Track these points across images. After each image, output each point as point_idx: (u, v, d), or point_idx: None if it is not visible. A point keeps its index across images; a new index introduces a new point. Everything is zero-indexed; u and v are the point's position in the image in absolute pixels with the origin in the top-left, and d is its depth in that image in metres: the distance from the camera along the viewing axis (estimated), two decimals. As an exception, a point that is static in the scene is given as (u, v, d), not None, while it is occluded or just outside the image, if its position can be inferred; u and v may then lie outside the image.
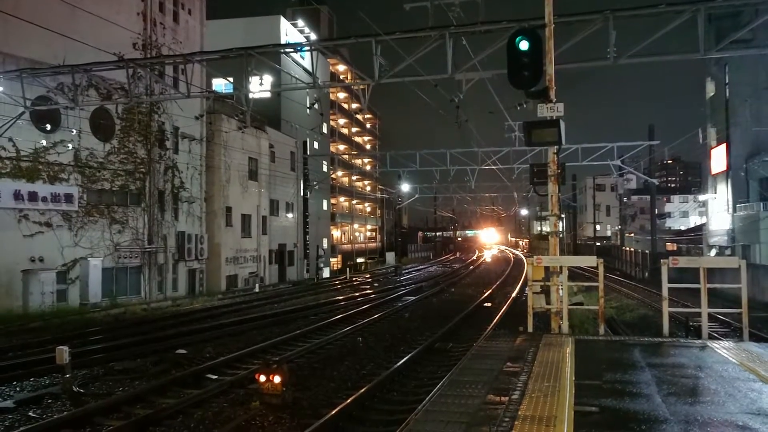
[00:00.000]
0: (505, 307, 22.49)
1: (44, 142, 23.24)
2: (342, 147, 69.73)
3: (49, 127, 23.52)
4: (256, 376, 9.91)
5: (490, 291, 30.05)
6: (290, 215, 45.14)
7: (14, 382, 11.54)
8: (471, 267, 55.57)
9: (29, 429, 8.58)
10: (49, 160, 23.47)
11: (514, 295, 27.25)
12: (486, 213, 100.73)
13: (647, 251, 44.31)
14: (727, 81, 35.49)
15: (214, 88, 38.18)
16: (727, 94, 35.39)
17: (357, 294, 29.28)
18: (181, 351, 14.44)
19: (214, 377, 11.95)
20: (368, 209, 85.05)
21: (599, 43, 14.57)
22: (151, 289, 28.36)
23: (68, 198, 24.11)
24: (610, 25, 13.95)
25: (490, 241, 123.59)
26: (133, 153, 27.49)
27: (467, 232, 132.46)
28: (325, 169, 56.12)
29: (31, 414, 9.66)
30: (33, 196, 22.72)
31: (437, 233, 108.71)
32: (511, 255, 79.15)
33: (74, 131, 24.21)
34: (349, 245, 70.77)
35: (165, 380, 11.46)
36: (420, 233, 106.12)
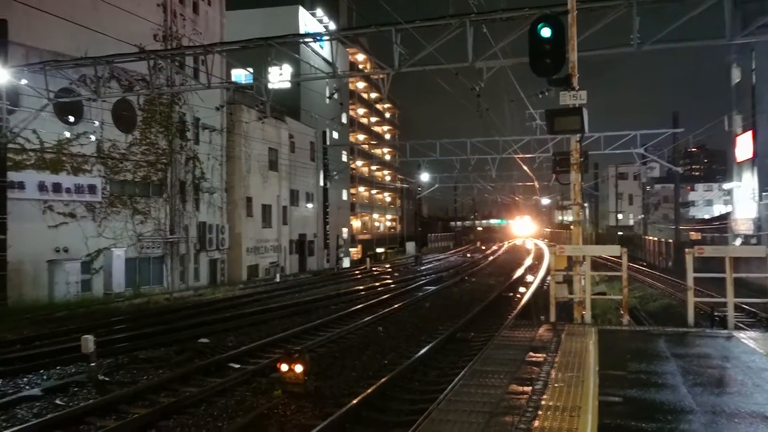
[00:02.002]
0: (526, 297, 22.36)
1: (67, 134, 23.50)
2: (361, 137, 69.69)
3: (72, 118, 23.77)
4: (278, 365, 9.96)
5: (511, 281, 29.91)
6: (310, 205, 45.26)
7: (41, 371, 11.74)
8: (491, 257, 55.36)
9: (56, 416, 8.72)
10: (72, 152, 23.74)
11: (536, 284, 27.08)
12: (507, 202, 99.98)
13: (671, 240, 43.76)
14: (753, 67, 34.78)
15: (233, 78, 38.31)
16: (754, 81, 34.69)
17: (377, 284, 29.31)
18: (204, 340, 14.57)
19: (237, 366, 12.03)
20: (388, 199, 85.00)
21: (623, 30, 14.36)
22: (173, 278, 28.65)
23: (91, 189, 24.39)
24: (633, 11, 13.73)
25: (522, 232, 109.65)
26: (154, 144, 27.72)
27: (490, 221, 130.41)
28: (344, 158, 56.16)
29: (57, 402, 9.82)
30: (57, 188, 23.02)
31: (458, 223, 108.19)
32: (530, 246, 78.56)
33: (97, 123, 24.45)
34: (369, 235, 70.86)
35: (188, 369, 11.58)
36: (440, 223, 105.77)
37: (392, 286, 28.37)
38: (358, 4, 68.11)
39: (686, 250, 10.42)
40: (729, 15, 13.57)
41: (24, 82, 20.12)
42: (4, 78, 19.54)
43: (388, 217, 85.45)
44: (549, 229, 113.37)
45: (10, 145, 20.92)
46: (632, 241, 56.80)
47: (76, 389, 10.51)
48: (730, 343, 9.03)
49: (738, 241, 37.38)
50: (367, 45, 51.51)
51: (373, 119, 78.11)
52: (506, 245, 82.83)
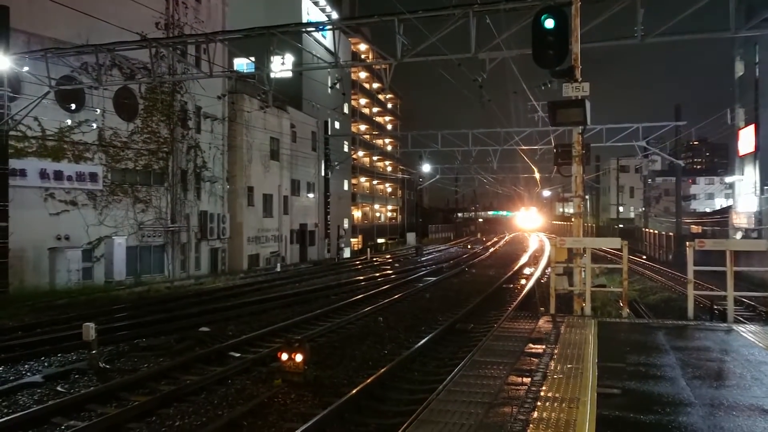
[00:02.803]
0: (526, 288, 22.39)
1: (69, 122, 23.47)
2: (363, 127, 69.53)
3: (73, 106, 23.71)
4: (278, 355, 10.00)
5: (511, 272, 29.94)
6: (311, 195, 45.25)
7: (42, 358, 11.79)
8: (492, 249, 55.40)
9: (57, 403, 8.77)
10: (73, 140, 23.71)
11: (536, 276, 27.11)
12: (508, 193, 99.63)
13: (671, 233, 43.78)
14: (756, 60, 34.66)
15: (235, 67, 38.18)
16: (757, 74, 34.58)
17: (377, 274, 29.35)
18: (204, 329, 14.61)
19: (237, 355, 12.08)
20: (389, 190, 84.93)
21: (627, 21, 14.28)
22: (174, 267, 28.69)
23: (93, 177, 24.39)
24: (637, 3, 13.65)
25: (524, 225, 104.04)
26: (156, 132, 27.69)
27: (494, 213, 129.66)
28: (346, 149, 56.04)
29: (59, 388, 9.86)
30: (58, 175, 23.02)
31: (458, 214, 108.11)
32: (528, 238, 78.57)
33: (98, 111, 24.42)
34: (370, 225, 70.86)
35: (189, 357, 11.63)
36: (441, 214, 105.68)
37: (392, 276, 28.40)
38: (360, -7, 67.65)
39: (687, 243, 10.42)
40: (733, 7, 13.49)
41: (25, 69, 20.05)
42: (5, 65, 19.49)
43: (389, 207, 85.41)
44: (552, 221, 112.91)
45: (12, 133, 20.88)
46: (633, 233, 56.76)
47: (77, 376, 10.56)
48: (729, 336, 9.05)
49: (739, 235, 37.39)
50: (370, 35, 51.35)
51: (375, 109, 77.90)
52: (507, 237, 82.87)
